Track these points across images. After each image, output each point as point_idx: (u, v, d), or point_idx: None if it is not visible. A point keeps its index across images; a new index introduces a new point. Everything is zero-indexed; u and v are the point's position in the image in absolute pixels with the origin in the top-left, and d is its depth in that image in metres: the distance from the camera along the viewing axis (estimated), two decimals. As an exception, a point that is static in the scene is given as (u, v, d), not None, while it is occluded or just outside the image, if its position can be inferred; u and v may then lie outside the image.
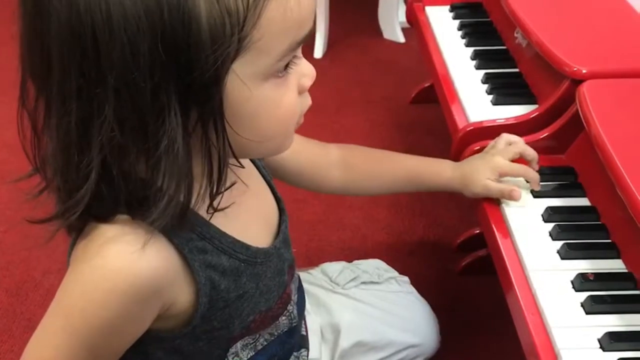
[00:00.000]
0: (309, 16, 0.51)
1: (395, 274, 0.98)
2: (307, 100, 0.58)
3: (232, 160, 0.55)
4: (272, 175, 0.74)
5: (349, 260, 0.99)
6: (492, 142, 0.89)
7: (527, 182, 0.86)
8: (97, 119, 0.47)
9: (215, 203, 0.54)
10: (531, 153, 0.86)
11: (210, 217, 0.57)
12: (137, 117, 0.47)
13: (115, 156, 0.49)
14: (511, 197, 0.82)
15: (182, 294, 0.58)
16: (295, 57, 0.53)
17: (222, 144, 0.50)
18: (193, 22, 0.45)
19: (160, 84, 0.46)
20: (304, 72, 0.55)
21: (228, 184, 0.57)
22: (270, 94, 0.52)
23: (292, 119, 0.56)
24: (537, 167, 0.86)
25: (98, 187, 0.50)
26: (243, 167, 0.58)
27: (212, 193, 0.53)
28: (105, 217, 0.53)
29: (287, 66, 0.52)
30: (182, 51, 0.45)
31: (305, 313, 0.86)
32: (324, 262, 0.99)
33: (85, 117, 0.48)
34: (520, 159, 0.87)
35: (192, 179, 0.51)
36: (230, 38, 0.46)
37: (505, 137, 0.88)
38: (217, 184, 0.53)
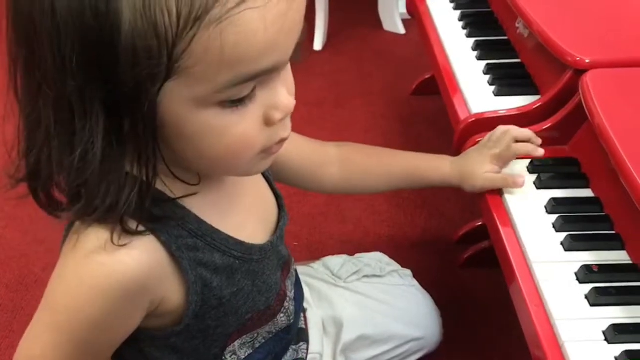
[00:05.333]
0: (263, 52, 0.47)
1: (398, 267, 0.98)
2: (282, 133, 0.54)
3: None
4: (273, 177, 0.73)
5: (351, 254, 0.99)
6: (487, 136, 0.88)
7: (530, 172, 0.85)
8: (38, 105, 0.48)
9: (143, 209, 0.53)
10: (525, 133, 0.86)
11: (193, 212, 0.56)
12: (65, 113, 0.47)
13: (49, 146, 0.49)
14: (515, 184, 0.82)
15: (171, 292, 0.58)
16: (257, 87, 0.50)
17: (152, 154, 0.49)
18: (115, 34, 0.43)
19: (85, 87, 0.45)
20: (276, 104, 0.51)
21: (200, 189, 0.56)
22: (213, 121, 0.49)
23: (246, 151, 0.52)
24: (539, 141, 0.86)
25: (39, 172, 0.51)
26: (196, 184, 0.55)
27: (141, 199, 0.51)
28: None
29: (243, 99, 0.49)
30: (104, 60, 0.44)
31: (307, 306, 0.86)
32: (325, 255, 0.99)
33: (30, 100, 0.49)
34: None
35: (120, 182, 0.49)
36: (159, 58, 0.44)
37: (500, 128, 0.87)
38: (146, 190, 0.51)
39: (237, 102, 0.49)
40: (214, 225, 0.59)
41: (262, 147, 0.54)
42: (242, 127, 0.50)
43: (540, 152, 0.84)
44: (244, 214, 0.64)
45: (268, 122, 0.52)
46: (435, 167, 0.89)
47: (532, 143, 0.86)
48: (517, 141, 0.86)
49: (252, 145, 0.53)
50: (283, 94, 0.52)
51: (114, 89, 0.45)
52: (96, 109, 0.46)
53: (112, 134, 0.47)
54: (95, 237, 0.52)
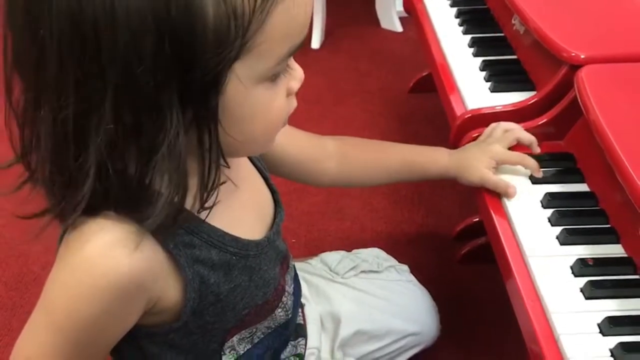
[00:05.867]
0: (307, 22, 0.51)
1: (395, 262, 0.98)
2: (294, 103, 0.57)
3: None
4: (269, 171, 0.73)
5: (349, 250, 0.99)
6: (487, 130, 0.88)
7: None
8: (95, 115, 0.46)
9: (206, 201, 0.54)
10: (529, 137, 0.86)
11: (199, 212, 0.56)
12: (136, 114, 0.46)
13: (112, 154, 0.47)
14: (506, 194, 0.81)
15: (169, 290, 0.58)
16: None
17: (215, 143, 0.50)
18: (199, 22, 0.44)
19: (163, 82, 0.45)
20: (294, 75, 0.55)
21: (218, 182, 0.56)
22: (262, 97, 0.52)
23: (280, 122, 0.56)
24: (537, 150, 0.86)
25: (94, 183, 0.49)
26: (228, 167, 0.56)
27: (204, 193, 0.52)
28: (92, 211, 0.52)
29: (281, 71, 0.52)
30: (186, 50, 0.44)
31: (305, 302, 0.86)
32: (323, 251, 0.99)
33: (82, 112, 0.46)
34: (519, 146, 0.87)
35: (188, 180, 0.50)
36: (234, 41, 0.45)
37: (502, 124, 0.88)
38: (212, 184, 0.52)
39: (277, 76, 0.52)
40: (210, 222, 0.59)
41: (285, 120, 0.57)
42: (278, 101, 0.54)
43: (539, 175, 0.83)
44: (240, 210, 0.64)
45: (289, 92, 0.55)
46: (433, 159, 0.89)
47: (531, 149, 0.86)
48: (518, 143, 0.86)
49: (283, 118, 0.56)
50: (296, 65, 0.55)
51: (190, 80, 0.45)
52: (175, 103, 0.46)
53: (181, 127, 0.47)
54: (92, 237, 0.52)
